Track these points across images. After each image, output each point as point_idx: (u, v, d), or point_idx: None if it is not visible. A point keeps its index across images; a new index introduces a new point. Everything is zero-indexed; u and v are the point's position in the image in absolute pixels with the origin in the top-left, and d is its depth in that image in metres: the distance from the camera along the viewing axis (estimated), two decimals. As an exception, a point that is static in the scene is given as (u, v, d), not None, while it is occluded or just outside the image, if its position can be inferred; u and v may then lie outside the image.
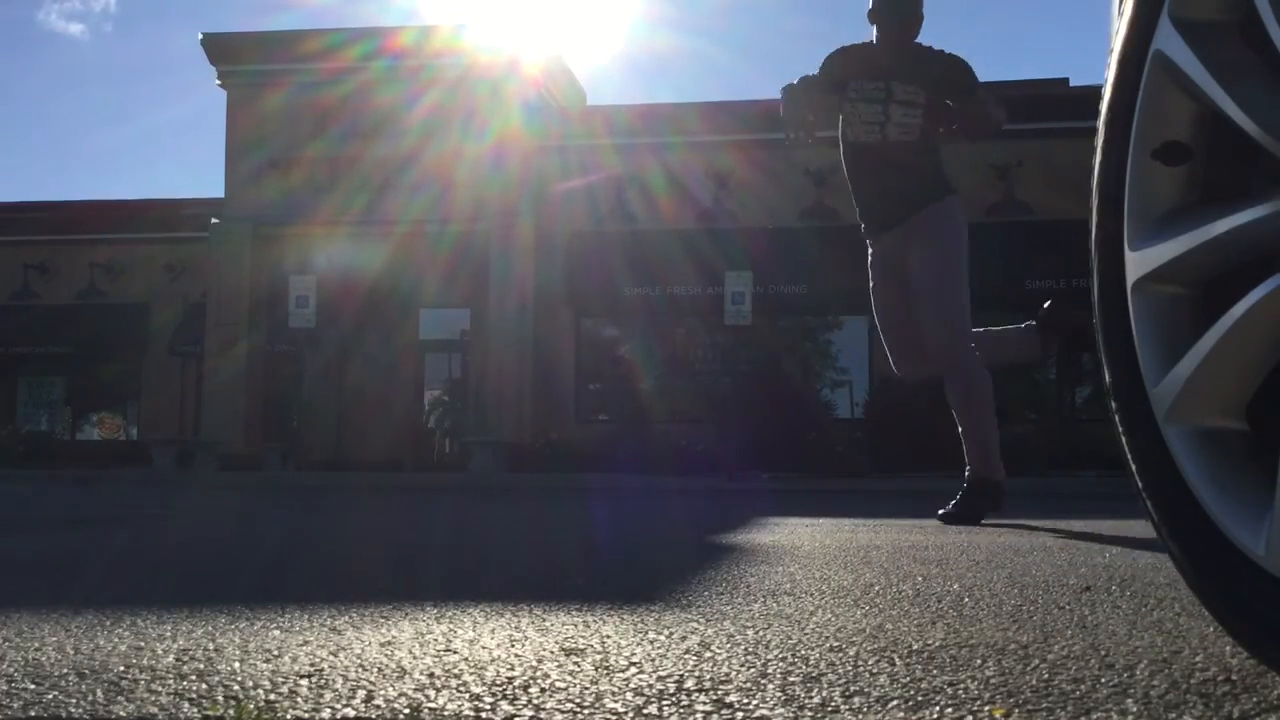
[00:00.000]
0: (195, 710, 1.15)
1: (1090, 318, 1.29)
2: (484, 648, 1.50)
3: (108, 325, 20.47)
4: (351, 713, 1.14)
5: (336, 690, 1.24)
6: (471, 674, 1.32)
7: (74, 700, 1.20)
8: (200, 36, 18.45)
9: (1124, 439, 1.24)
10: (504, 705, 1.16)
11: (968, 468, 4.30)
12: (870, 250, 4.38)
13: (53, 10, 73.02)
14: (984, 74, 4.47)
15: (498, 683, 1.27)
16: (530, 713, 1.13)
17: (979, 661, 1.35)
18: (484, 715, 1.12)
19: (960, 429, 4.29)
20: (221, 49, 18.45)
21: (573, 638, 1.57)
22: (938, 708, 1.12)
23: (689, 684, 1.25)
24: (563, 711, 1.13)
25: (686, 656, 1.41)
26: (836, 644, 1.50)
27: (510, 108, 17.58)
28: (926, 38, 4.46)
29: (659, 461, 13.71)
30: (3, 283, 21.11)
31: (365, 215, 17.44)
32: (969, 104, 4.31)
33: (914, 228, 4.19)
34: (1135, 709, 1.10)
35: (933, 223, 4.19)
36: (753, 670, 1.32)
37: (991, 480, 4.25)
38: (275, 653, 1.47)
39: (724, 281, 15.06)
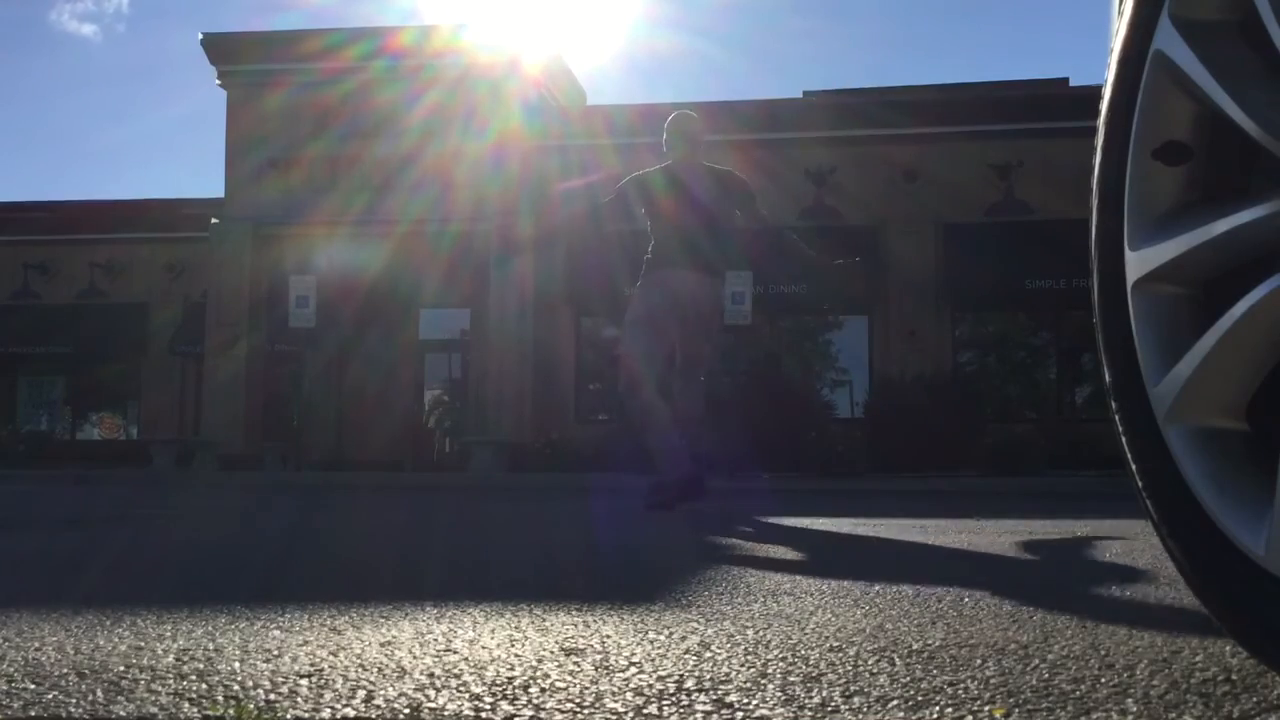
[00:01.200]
0: (195, 710, 1.15)
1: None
2: (484, 648, 1.50)
3: (108, 325, 20.46)
4: (351, 713, 1.14)
5: (336, 690, 1.24)
6: (471, 674, 1.32)
7: (74, 700, 1.20)
8: (200, 36, 18.46)
9: (1124, 439, 1.24)
10: (504, 705, 1.16)
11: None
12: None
13: (65, 10, 73.08)
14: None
15: (498, 683, 1.27)
16: (530, 713, 1.13)
17: (979, 661, 1.35)
18: (484, 715, 1.12)
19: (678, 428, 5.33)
20: (221, 49, 18.44)
21: (573, 638, 1.57)
22: (938, 708, 1.12)
23: (689, 684, 1.25)
24: (563, 711, 1.13)
25: (686, 656, 1.41)
26: (836, 644, 1.50)
27: (510, 108, 17.57)
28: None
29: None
30: (3, 283, 21.10)
31: (365, 215, 17.43)
32: (752, 211, 5.72)
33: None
34: (1135, 709, 1.10)
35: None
36: (753, 670, 1.32)
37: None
38: (275, 653, 1.47)
39: (724, 281, 15.02)
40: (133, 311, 20.67)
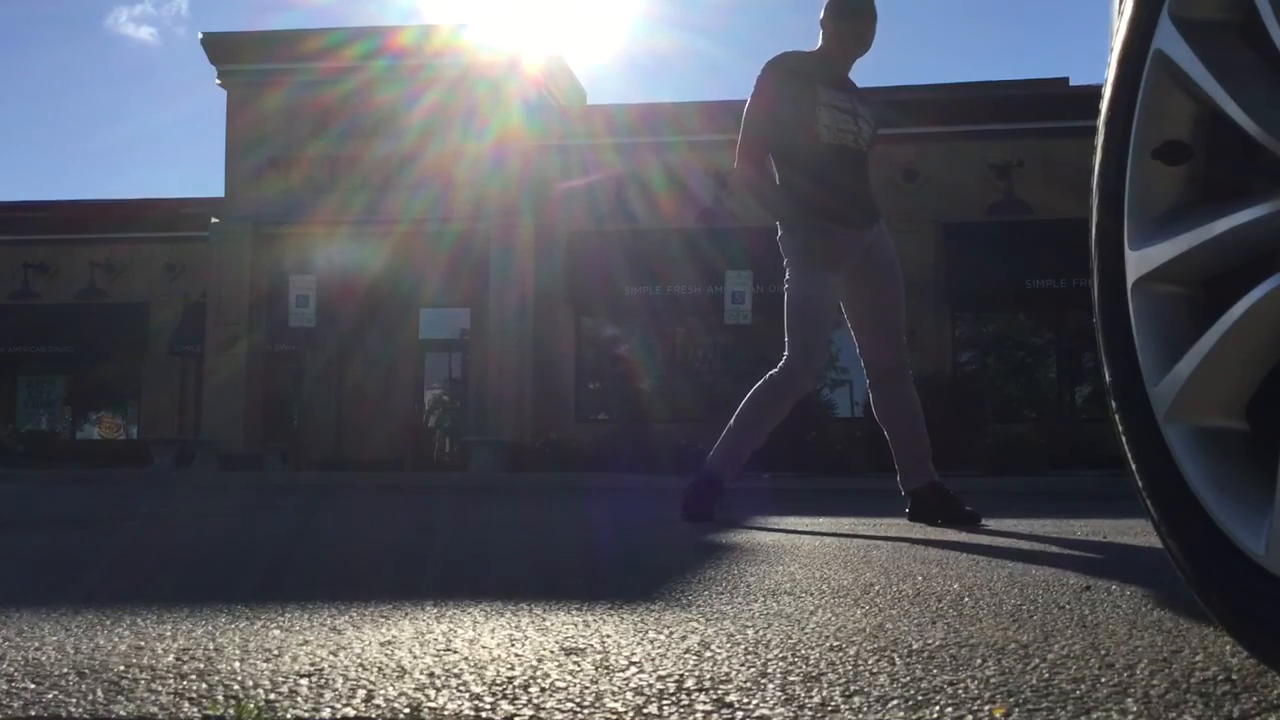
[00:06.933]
0: (195, 710, 1.15)
1: None
2: (484, 647, 1.50)
3: (108, 325, 20.46)
4: (351, 712, 1.14)
5: (336, 690, 1.24)
6: (471, 674, 1.32)
7: (74, 700, 1.20)
8: (200, 36, 18.46)
9: (1124, 439, 1.24)
10: (504, 705, 1.16)
11: (901, 476, 4.22)
12: (827, 243, 4.03)
13: (123, 14, 73.06)
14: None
15: (498, 682, 1.27)
16: (530, 712, 1.13)
17: (979, 661, 1.35)
18: (484, 715, 1.12)
19: (893, 437, 4.25)
20: (221, 49, 18.44)
21: (573, 637, 1.57)
22: (938, 707, 1.12)
23: (689, 683, 1.25)
24: (563, 711, 1.13)
25: (686, 656, 1.41)
26: (836, 643, 1.50)
27: (510, 107, 17.57)
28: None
29: (659, 461, 13.70)
30: (3, 283, 21.09)
31: (365, 215, 17.44)
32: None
33: (879, 235, 4.18)
34: (1135, 709, 1.10)
35: (886, 237, 4.24)
36: (753, 670, 1.32)
37: (932, 483, 4.15)
38: (275, 652, 1.47)
39: (724, 281, 15.06)
40: (133, 311, 20.67)
